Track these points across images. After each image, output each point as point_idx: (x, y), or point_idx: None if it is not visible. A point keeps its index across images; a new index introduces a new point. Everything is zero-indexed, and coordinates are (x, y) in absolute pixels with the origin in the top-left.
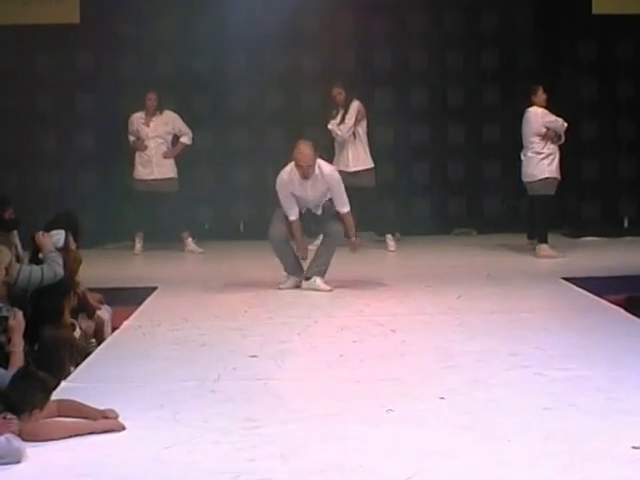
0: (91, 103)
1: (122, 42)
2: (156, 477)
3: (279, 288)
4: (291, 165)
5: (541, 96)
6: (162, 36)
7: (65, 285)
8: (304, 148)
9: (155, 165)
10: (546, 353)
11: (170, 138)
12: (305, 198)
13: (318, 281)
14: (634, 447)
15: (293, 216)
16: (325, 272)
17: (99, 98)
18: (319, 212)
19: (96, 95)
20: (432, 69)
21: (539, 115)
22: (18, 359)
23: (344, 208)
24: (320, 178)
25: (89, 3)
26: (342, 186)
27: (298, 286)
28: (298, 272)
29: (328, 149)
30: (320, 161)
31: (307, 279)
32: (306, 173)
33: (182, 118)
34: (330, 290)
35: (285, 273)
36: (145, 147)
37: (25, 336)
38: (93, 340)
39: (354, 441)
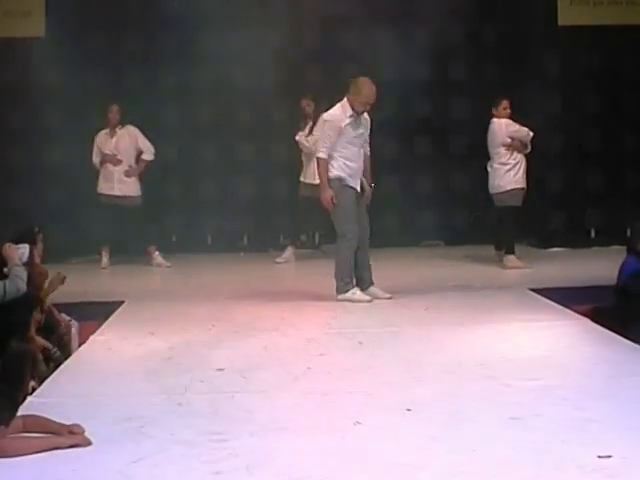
0: (58, 117)
1: (88, 55)
2: None
3: (366, 301)
4: (338, 106)
5: (503, 111)
6: (129, 49)
7: (31, 299)
8: (373, 85)
9: (116, 182)
10: (513, 363)
11: (134, 154)
12: (353, 143)
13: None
14: (600, 456)
15: (325, 154)
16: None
17: (66, 112)
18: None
19: (63, 109)
20: (399, 81)
21: (503, 126)
22: None
23: (368, 148)
24: (365, 115)
25: (55, 16)
26: None
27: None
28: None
29: (295, 162)
30: None
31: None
32: (368, 109)
33: (150, 131)
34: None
35: (343, 283)
36: (119, 161)
37: None
38: (55, 349)
39: (321, 454)
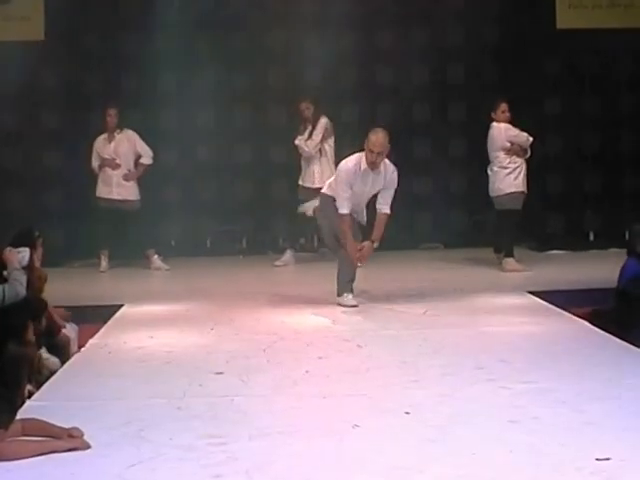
0: (57, 120)
1: (87, 58)
2: None
3: (351, 305)
4: (358, 155)
5: (502, 114)
6: (128, 52)
7: (31, 303)
8: (379, 133)
9: (115, 186)
10: (511, 366)
11: (133, 158)
12: (361, 194)
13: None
14: (598, 459)
15: (346, 209)
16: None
17: (65, 115)
18: (364, 220)
19: (62, 112)
20: (398, 84)
21: (502, 130)
22: None
23: (388, 208)
24: (384, 174)
25: (54, 20)
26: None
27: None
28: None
29: (294, 164)
30: (385, 160)
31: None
32: (376, 161)
33: (148, 134)
34: (355, 306)
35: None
36: (117, 165)
37: None
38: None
39: (320, 457)
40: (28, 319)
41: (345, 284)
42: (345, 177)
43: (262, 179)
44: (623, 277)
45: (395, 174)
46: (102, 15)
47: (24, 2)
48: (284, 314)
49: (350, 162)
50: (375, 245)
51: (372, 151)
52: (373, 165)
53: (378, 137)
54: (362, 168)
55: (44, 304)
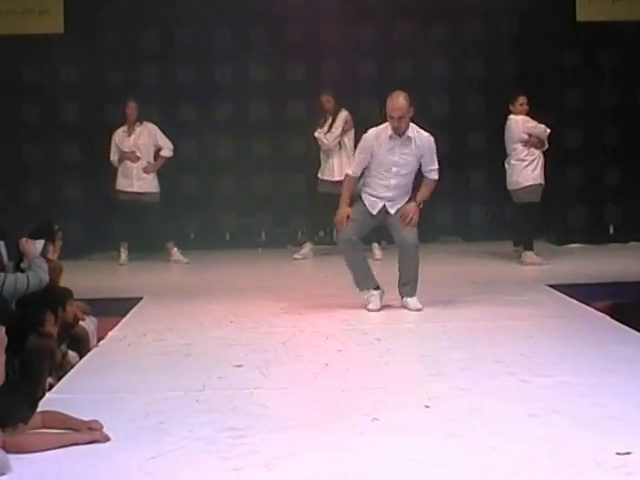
0: (76, 113)
1: (107, 52)
2: None
3: (369, 310)
4: (384, 125)
5: (519, 107)
6: (147, 46)
7: (53, 294)
8: (397, 96)
9: (135, 178)
10: (531, 360)
11: (152, 151)
12: (388, 164)
13: (409, 301)
14: (618, 453)
15: (353, 172)
16: (416, 287)
17: (84, 108)
18: (393, 210)
19: (81, 105)
20: (417, 78)
21: (520, 122)
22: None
23: (434, 174)
24: (415, 141)
25: (74, 13)
26: (435, 151)
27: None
28: (369, 284)
29: (313, 158)
30: (416, 126)
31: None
32: (398, 126)
33: (167, 127)
34: (420, 309)
35: (357, 289)
36: (137, 158)
37: (8, 349)
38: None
39: (339, 450)
40: (47, 310)
41: (360, 282)
42: (364, 142)
43: (281, 172)
44: None
45: (430, 140)
46: (122, 8)
47: None
48: (303, 307)
49: (373, 130)
50: (420, 206)
51: (392, 117)
52: (397, 130)
53: (394, 101)
54: (388, 134)
55: (69, 292)
